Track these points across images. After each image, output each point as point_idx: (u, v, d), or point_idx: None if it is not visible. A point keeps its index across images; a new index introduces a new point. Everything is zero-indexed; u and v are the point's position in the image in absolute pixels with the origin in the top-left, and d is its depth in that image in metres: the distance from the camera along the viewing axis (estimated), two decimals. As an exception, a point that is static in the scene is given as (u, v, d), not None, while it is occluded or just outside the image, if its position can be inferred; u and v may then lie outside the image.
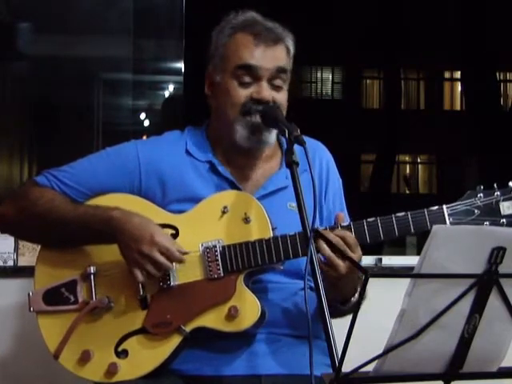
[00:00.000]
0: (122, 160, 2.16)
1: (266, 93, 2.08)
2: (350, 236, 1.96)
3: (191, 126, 2.26)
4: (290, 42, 2.15)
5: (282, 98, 2.12)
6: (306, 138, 1.92)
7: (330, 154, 2.27)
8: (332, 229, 1.99)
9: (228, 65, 2.11)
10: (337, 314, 2.05)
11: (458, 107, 22.54)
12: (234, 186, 2.13)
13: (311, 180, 1.82)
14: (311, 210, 1.79)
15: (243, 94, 2.09)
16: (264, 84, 2.09)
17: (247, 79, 2.09)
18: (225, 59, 2.12)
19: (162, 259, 1.98)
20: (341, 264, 1.93)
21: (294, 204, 1.89)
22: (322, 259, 1.95)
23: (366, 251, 2.06)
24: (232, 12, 2.17)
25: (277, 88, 2.11)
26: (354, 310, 1.49)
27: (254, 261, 2.01)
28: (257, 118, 2.07)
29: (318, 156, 2.23)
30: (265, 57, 2.10)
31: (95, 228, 2.04)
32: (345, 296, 2.05)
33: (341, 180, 2.28)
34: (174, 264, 2.01)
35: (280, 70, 2.11)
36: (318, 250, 1.93)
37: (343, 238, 1.95)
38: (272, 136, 2.11)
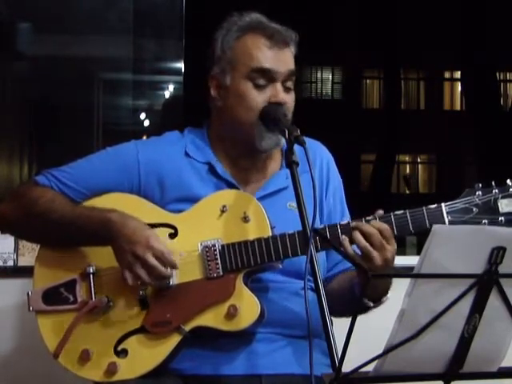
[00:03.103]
0: (121, 159, 2.16)
1: (282, 95, 2.08)
2: (387, 228, 1.96)
3: (191, 127, 2.25)
4: (295, 44, 2.14)
5: (292, 99, 2.12)
6: (306, 138, 1.92)
7: (329, 153, 2.27)
8: (368, 221, 1.98)
9: (239, 66, 2.10)
10: (361, 311, 2.02)
11: (458, 107, 22.53)
12: (233, 188, 2.12)
13: (311, 180, 1.82)
14: (311, 209, 1.79)
15: (260, 98, 2.07)
16: (279, 86, 2.09)
17: (262, 82, 2.08)
18: (235, 61, 2.10)
19: (155, 262, 1.97)
20: (376, 256, 1.93)
21: (294, 204, 1.89)
22: (358, 252, 1.95)
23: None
24: (234, 13, 2.16)
25: (288, 90, 2.11)
26: (356, 310, 1.48)
27: (253, 260, 2.00)
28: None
29: (319, 156, 2.22)
30: (278, 60, 2.09)
31: (91, 230, 2.04)
32: (378, 295, 2.04)
33: (341, 180, 2.28)
34: (170, 270, 2.00)
35: (291, 73, 2.11)
36: (354, 242, 1.94)
37: (380, 231, 1.95)
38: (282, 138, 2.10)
